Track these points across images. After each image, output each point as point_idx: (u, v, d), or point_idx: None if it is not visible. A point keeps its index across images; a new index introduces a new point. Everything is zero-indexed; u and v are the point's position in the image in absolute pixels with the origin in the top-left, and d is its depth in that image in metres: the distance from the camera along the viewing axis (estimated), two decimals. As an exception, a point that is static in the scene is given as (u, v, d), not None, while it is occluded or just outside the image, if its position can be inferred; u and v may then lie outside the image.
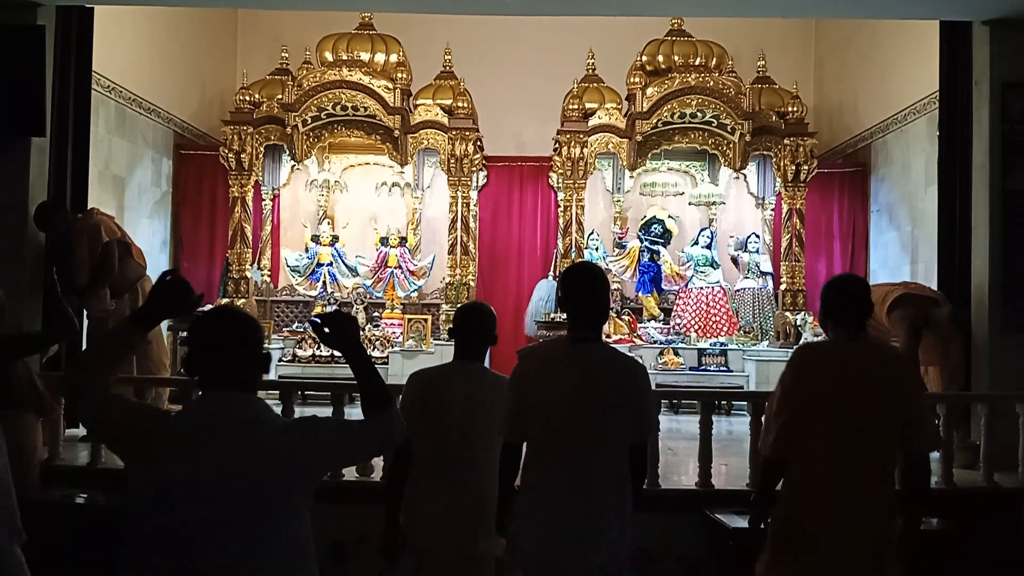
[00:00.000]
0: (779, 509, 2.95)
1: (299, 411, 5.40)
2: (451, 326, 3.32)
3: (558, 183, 9.97)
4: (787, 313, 9.35)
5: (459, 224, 9.57)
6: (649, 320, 9.93)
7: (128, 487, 2.02)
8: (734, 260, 10.13)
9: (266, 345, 2.31)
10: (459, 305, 3.24)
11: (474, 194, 10.04)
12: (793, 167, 9.44)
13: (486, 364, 3.45)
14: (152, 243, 9.70)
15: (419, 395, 3.19)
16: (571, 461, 2.72)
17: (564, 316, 9.42)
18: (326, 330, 2.17)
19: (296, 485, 2.04)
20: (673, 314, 9.88)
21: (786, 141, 9.44)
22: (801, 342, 9.01)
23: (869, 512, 2.81)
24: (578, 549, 2.68)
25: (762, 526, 3.04)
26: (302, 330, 9.40)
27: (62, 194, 6.13)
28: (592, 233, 10.02)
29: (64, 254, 5.99)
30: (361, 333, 2.29)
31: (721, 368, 9.07)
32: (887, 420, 2.84)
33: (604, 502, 2.71)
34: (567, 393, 2.74)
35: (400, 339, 9.12)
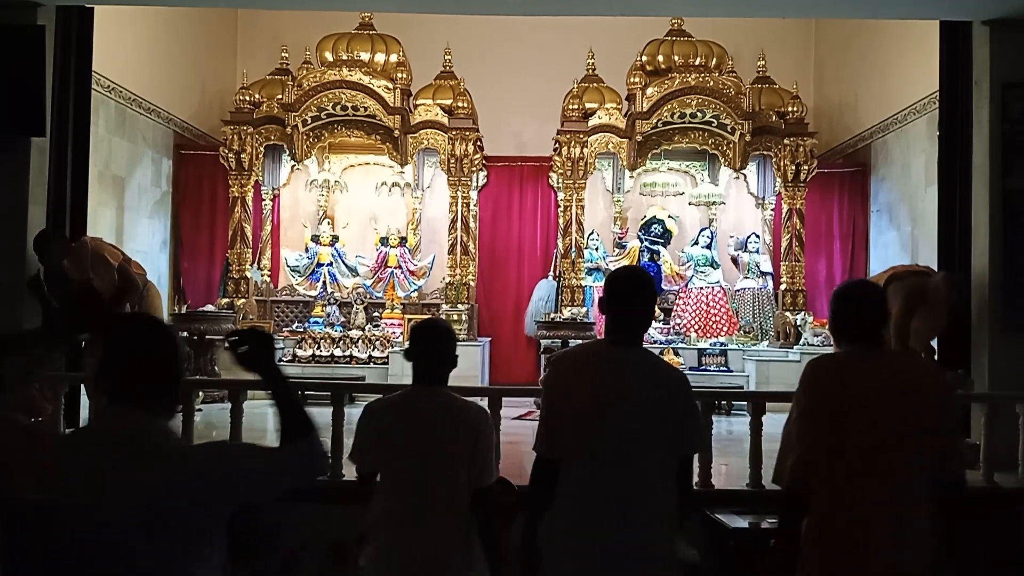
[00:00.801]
0: (807, 552, 2.59)
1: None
2: (407, 348, 3.00)
3: (558, 183, 9.97)
4: (787, 313, 9.35)
5: (459, 224, 9.57)
6: (649, 320, 9.92)
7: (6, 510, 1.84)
8: (734, 260, 10.13)
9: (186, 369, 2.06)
10: (414, 324, 3.10)
11: (474, 194, 10.04)
12: (793, 167, 9.45)
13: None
14: (152, 243, 9.71)
15: (378, 429, 2.89)
16: (615, 470, 2.51)
17: (564, 316, 9.35)
18: (242, 348, 1.96)
19: (197, 520, 1.80)
20: (673, 314, 9.89)
21: (786, 141, 9.44)
22: (801, 343, 9.02)
23: (912, 548, 2.54)
24: (621, 566, 2.49)
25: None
26: (302, 330, 9.40)
27: (62, 193, 6.13)
28: (592, 233, 10.03)
29: (60, 283, 5.95)
30: (277, 353, 2.02)
31: (721, 368, 9.07)
32: (918, 438, 2.55)
33: (649, 515, 2.51)
34: (610, 397, 2.54)
35: (400, 339, 9.12)
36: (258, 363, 1.97)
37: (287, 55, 10.21)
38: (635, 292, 2.67)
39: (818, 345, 8.86)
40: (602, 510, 2.50)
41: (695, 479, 4.81)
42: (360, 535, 2.92)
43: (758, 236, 10.14)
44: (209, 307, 9.38)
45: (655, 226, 10.21)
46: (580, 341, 8.09)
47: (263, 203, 10.16)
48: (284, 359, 9.00)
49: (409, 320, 9.28)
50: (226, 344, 2.00)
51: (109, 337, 1.95)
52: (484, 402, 4.87)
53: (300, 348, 9.05)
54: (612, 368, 2.60)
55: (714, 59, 9.84)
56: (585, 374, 2.62)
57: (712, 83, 9.31)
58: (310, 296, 9.98)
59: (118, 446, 1.80)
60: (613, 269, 2.94)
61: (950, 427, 2.64)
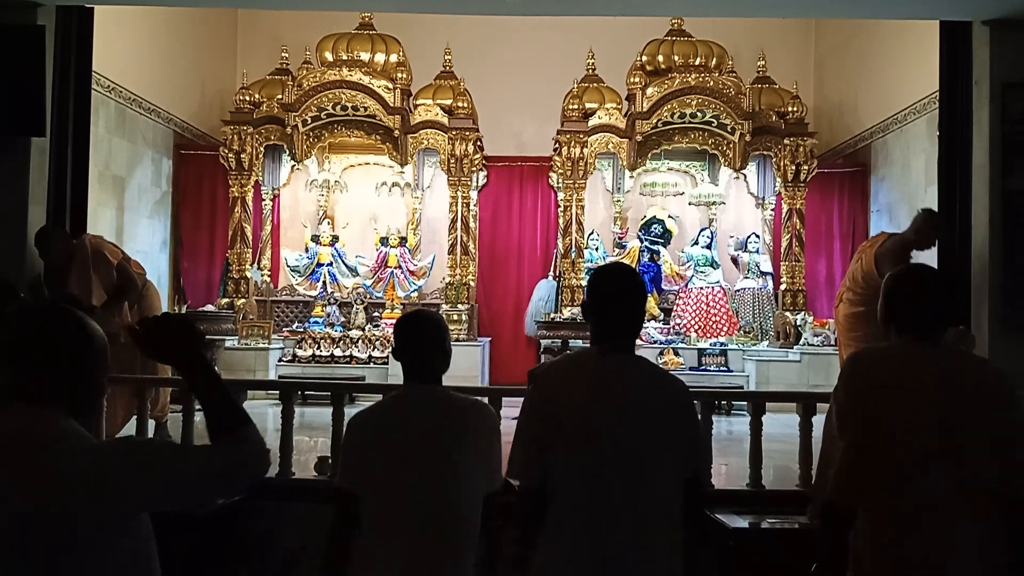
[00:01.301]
0: (858, 567, 2.25)
1: (299, 411, 5.41)
2: (394, 346, 2.63)
3: (558, 183, 9.97)
4: (787, 313, 9.35)
5: (459, 224, 9.57)
6: (649, 320, 9.92)
7: None
8: (734, 260, 10.13)
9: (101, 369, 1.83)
10: (400, 316, 2.73)
11: (474, 194, 10.04)
12: (793, 167, 9.45)
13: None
14: (152, 243, 9.71)
15: (368, 438, 2.51)
16: (610, 497, 2.22)
17: (564, 316, 9.33)
18: (146, 337, 1.76)
19: (97, 520, 1.63)
20: (673, 314, 9.89)
21: (786, 141, 9.44)
22: (801, 343, 9.01)
23: (973, 553, 2.18)
24: None
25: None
26: (302, 330, 9.40)
27: (62, 193, 6.12)
28: (592, 233, 10.03)
29: (61, 278, 5.96)
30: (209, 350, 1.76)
31: (721, 368, 9.07)
32: (983, 446, 2.20)
33: (652, 541, 2.24)
34: (605, 413, 2.25)
35: (400, 339, 9.12)
36: (167, 352, 1.77)
37: (287, 55, 10.22)
38: (627, 290, 2.39)
39: (818, 345, 8.86)
40: (602, 539, 2.22)
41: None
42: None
43: (758, 236, 10.14)
44: (209, 307, 9.38)
45: (655, 226, 10.21)
46: (581, 341, 8.09)
47: (263, 203, 10.17)
48: (284, 359, 9.00)
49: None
50: (130, 333, 1.80)
51: (17, 331, 1.76)
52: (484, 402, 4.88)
53: (300, 348, 9.05)
54: (606, 382, 2.30)
55: (714, 59, 9.84)
56: (579, 391, 2.30)
57: (712, 83, 9.32)
58: (310, 296, 9.99)
59: (15, 447, 1.65)
60: (600, 267, 2.58)
61: (1014, 431, 2.24)
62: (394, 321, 8.10)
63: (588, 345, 2.45)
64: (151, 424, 5.69)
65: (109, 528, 1.65)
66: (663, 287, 10.12)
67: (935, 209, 6.04)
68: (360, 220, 10.65)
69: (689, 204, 10.83)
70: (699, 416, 2.42)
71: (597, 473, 2.24)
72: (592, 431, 2.25)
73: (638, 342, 9.50)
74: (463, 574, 2.45)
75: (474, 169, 9.70)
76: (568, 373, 2.41)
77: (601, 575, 2.21)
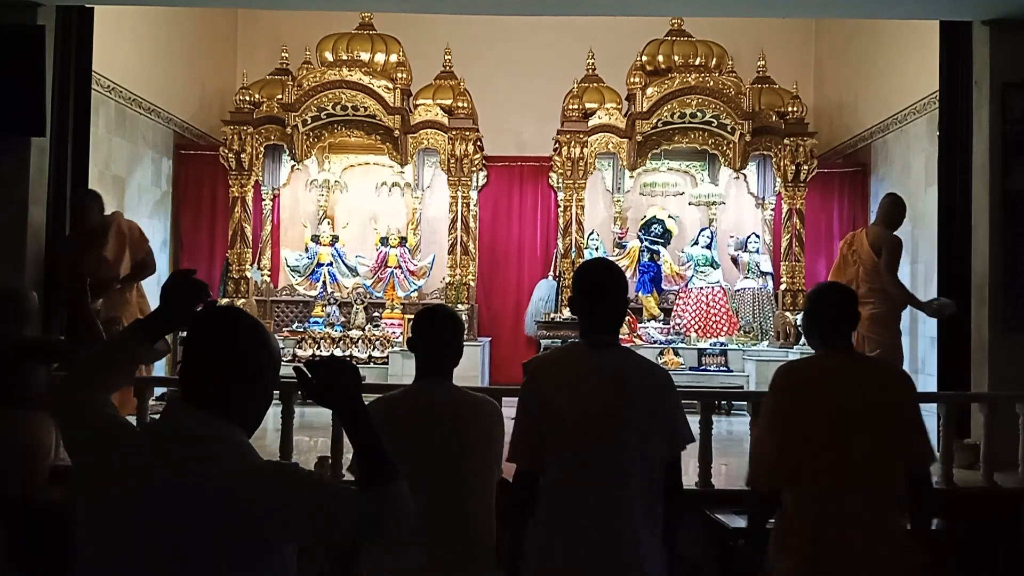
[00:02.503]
0: (780, 548, 2.71)
1: (299, 411, 5.41)
2: (410, 337, 2.77)
3: (558, 183, 9.97)
4: (787, 313, 9.35)
5: (459, 224, 9.57)
6: (649, 320, 9.93)
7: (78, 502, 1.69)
8: (734, 260, 10.13)
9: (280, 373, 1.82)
10: (419, 312, 2.84)
11: (474, 194, 10.04)
12: (793, 167, 9.44)
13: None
14: (152, 243, 9.62)
15: (383, 430, 2.68)
16: (601, 479, 2.41)
17: (564, 316, 9.36)
18: (315, 381, 1.73)
19: (239, 544, 1.59)
20: (673, 314, 9.88)
21: (786, 141, 9.44)
22: (801, 343, 9.01)
23: (881, 545, 2.61)
24: (612, 572, 2.41)
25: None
26: (302, 330, 9.40)
27: (62, 193, 6.13)
28: (592, 233, 10.02)
29: (91, 247, 6.18)
30: (360, 378, 1.73)
31: (721, 368, 9.06)
32: (888, 440, 2.65)
33: (637, 525, 2.42)
34: (594, 403, 2.43)
35: (400, 339, 9.12)
36: (331, 398, 1.73)
37: (287, 55, 10.21)
38: (610, 285, 2.56)
39: (818, 345, 8.85)
40: (592, 517, 2.41)
41: (696, 480, 4.83)
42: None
43: (758, 236, 10.14)
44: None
45: (655, 226, 10.20)
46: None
47: (263, 203, 10.16)
48: (284, 359, 8.99)
49: (409, 320, 9.27)
50: (296, 373, 1.77)
51: (197, 328, 1.75)
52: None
53: (300, 348, 9.05)
54: (598, 375, 2.47)
55: (714, 59, 9.84)
56: (566, 382, 2.49)
57: (712, 83, 9.31)
58: (310, 296, 9.98)
59: (173, 449, 1.63)
60: (583, 263, 2.79)
61: (917, 425, 2.72)
62: (394, 321, 8.23)
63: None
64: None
65: (253, 552, 1.61)
66: (663, 287, 10.12)
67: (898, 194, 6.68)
68: (360, 220, 10.64)
69: (689, 204, 10.83)
70: (680, 398, 2.62)
71: (586, 458, 2.42)
72: (581, 420, 2.43)
73: (639, 342, 9.49)
74: (480, 565, 2.55)
75: (474, 169, 9.69)
76: (558, 366, 2.60)
77: (589, 552, 2.39)
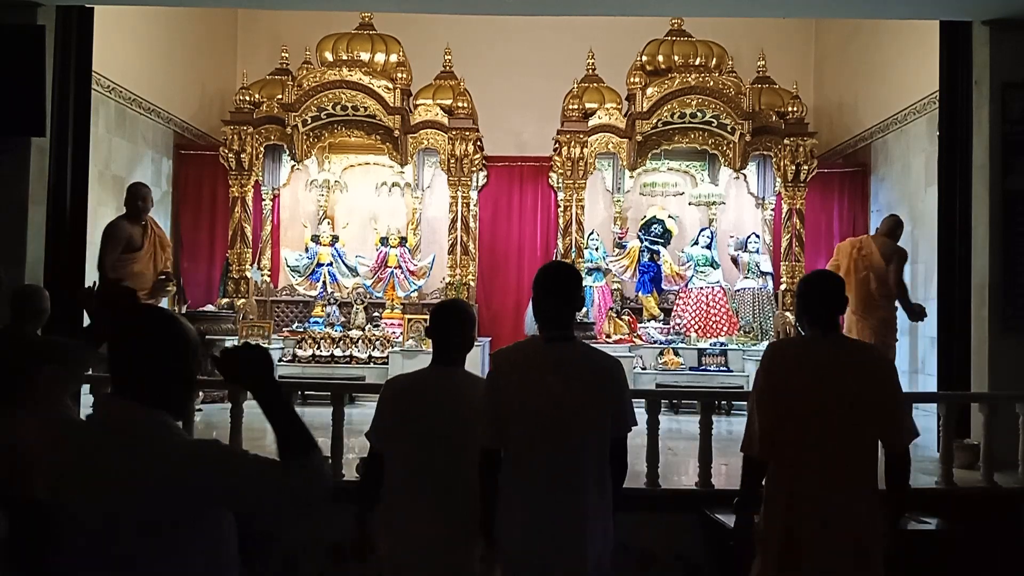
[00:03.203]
0: (764, 514, 2.93)
1: (299, 411, 5.40)
2: (428, 326, 3.14)
3: (558, 183, 9.97)
4: (787, 313, 9.35)
5: (459, 224, 9.57)
6: (649, 320, 9.93)
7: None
8: (734, 260, 10.13)
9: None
10: (437, 304, 3.18)
11: (474, 194, 10.04)
12: (793, 167, 9.45)
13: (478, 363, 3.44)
14: (152, 243, 9.70)
15: (395, 404, 3.00)
16: (552, 461, 2.69)
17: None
18: (227, 368, 1.90)
19: (188, 520, 1.75)
20: (673, 314, 9.88)
21: (786, 141, 9.44)
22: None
23: (854, 515, 2.81)
24: (563, 550, 2.67)
25: (749, 527, 3.01)
26: (302, 330, 9.40)
27: (62, 193, 6.12)
28: (592, 233, 10.02)
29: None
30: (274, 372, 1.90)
31: (721, 368, 9.06)
32: (867, 416, 2.84)
33: (587, 501, 2.70)
34: (545, 393, 2.71)
35: (400, 339, 9.12)
36: (244, 382, 1.89)
37: (287, 55, 10.21)
38: (560, 284, 2.83)
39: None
40: (547, 497, 2.68)
41: (696, 480, 4.83)
42: (364, 538, 3.00)
43: (758, 236, 10.14)
44: (209, 307, 9.38)
45: (655, 226, 10.20)
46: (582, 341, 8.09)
47: (263, 203, 10.16)
48: (284, 359, 9.00)
49: (409, 320, 9.27)
50: (212, 359, 1.92)
51: (117, 328, 1.93)
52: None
53: (300, 348, 9.05)
54: (545, 367, 2.74)
55: (714, 59, 9.84)
56: (524, 374, 2.77)
57: (712, 83, 9.31)
58: (310, 296, 9.98)
59: (114, 439, 1.78)
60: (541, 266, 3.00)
61: (897, 407, 2.89)
62: (394, 321, 8.32)
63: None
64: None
65: (188, 524, 1.77)
66: (663, 287, 10.12)
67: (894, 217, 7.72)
68: (360, 220, 10.64)
69: (689, 204, 10.83)
70: (627, 384, 2.90)
71: (538, 442, 2.71)
72: (533, 407, 2.71)
73: (639, 342, 9.45)
74: (474, 537, 2.84)
75: (474, 169, 9.70)
76: (517, 358, 2.87)
77: (543, 527, 2.68)
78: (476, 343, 10.42)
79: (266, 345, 8.79)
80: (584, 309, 9.29)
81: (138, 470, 1.73)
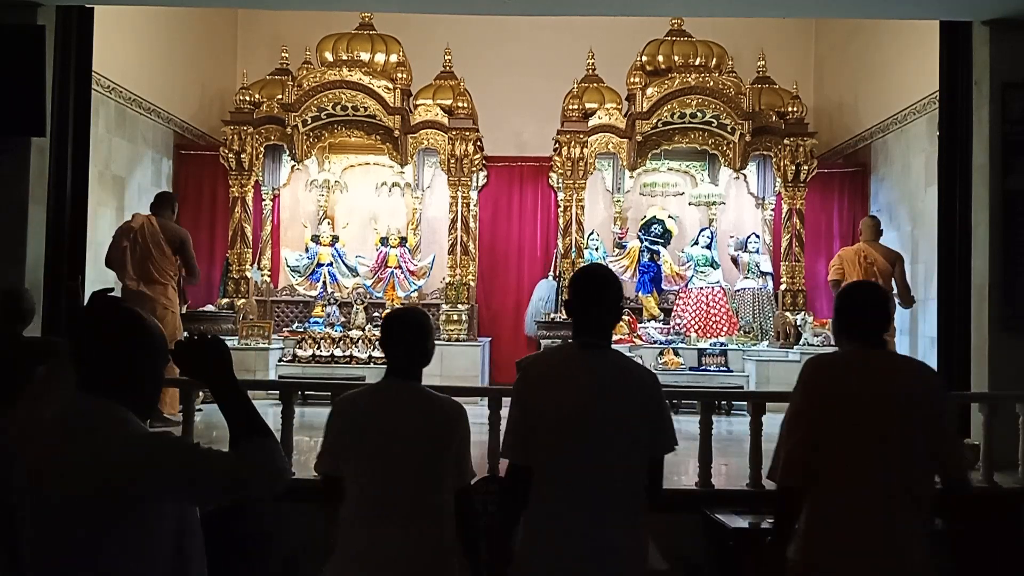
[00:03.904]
0: (797, 548, 2.61)
1: (299, 411, 5.41)
2: (380, 338, 2.94)
3: (558, 183, 9.97)
4: (787, 313, 9.35)
5: (459, 224, 9.57)
6: (649, 320, 9.93)
7: None
8: (734, 260, 10.13)
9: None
10: (387, 312, 3.07)
11: (474, 194, 10.03)
12: (793, 167, 9.45)
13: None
14: (152, 243, 9.69)
15: (349, 423, 2.76)
16: (587, 476, 2.50)
17: (564, 316, 9.39)
18: (182, 361, 1.91)
19: (121, 503, 1.77)
20: (673, 314, 9.88)
21: (786, 141, 9.44)
22: (801, 343, 9.03)
23: (901, 548, 2.52)
24: (594, 569, 2.49)
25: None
26: (302, 330, 9.40)
27: (62, 193, 6.12)
28: (592, 233, 10.02)
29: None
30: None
31: (721, 368, 9.06)
32: (915, 439, 2.55)
33: (621, 519, 2.52)
34: (582, 403, 2.52)
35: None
36: (199, 375, 1.90)
37: (287, 55, 10.21)
38: (604, 290, 2.64)
39: (818, 345, 8.86)
40: (577, 514, 2.50)
41: (696, 480, 4.83)
42: (328, 546, 2.79)
43: (758, 236, 10.14)
44: (209, 307, 9.38)
45: (655, 226, 10.20)
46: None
47: (263, 203, 10.16)
48: (284, 359, 9.00)
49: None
50: (171, 355, 1.93)
51: (79, 325, 1.94)
52: (484, 402, 4.88)
53: (300, 348, 9.05)
54: (585, 375, 2.56)
55: (714, 59, 9.84)
56: (558, 382, 2.58)
57: (712, 83, 9.31)
58: (310, 296, 9.98)
59: (71, 433, 1.79)
60: (579, 268, 2.88)
61: (946, 428, 2.65)
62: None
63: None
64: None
65: (145, 515, 1.79)
66: (663, 287, 10.12)
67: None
68: (360, 220, 10.64)
69: (689, 204, 10.83)
70: (666, 401, 2.68)
71: (572, 455, 2.51)
72: (572, 421, 2.52)
73: (639, 342, 9.47)
74: (442, 560, 2.67)
75: (474, 169, 9.69)
76: (550, 365, 2.70)
77: (572, 545, 2.48)
78: (476, 343, 10.40)
79: (264, 344, 8.81)
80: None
81: (92, 462, 1.75)
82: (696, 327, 9.61)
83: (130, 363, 1.88)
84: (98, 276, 7.65)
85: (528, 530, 2.55)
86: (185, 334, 7.46)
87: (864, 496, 2.52)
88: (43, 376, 3.55)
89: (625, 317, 9.71)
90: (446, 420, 2.77)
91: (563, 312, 9.27)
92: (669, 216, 10.30)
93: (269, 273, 10.21)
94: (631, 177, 10.34)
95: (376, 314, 9.77)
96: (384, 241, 9.97)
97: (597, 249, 10.03)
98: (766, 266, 10.04)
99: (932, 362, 7.30)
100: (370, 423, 2.72)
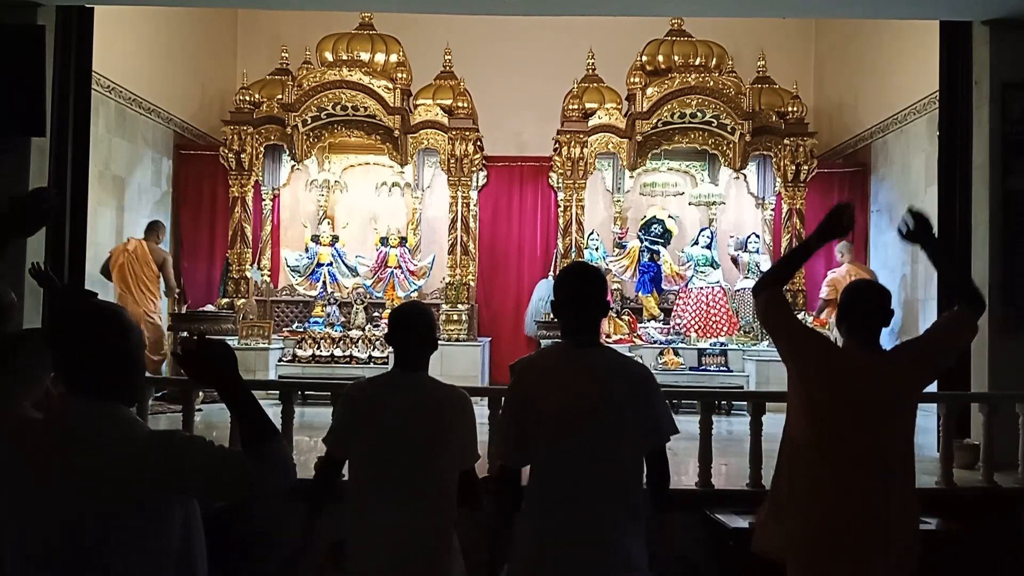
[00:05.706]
0: (792, 518, 2.80)
1: (299, 411, 5.41)
2: (386, 332, 3.04)
3: (558, 183, 9.97)
4: (787, 313, 9.34)
5: (459, 224, 9.57)
6: (649, 320, 9.93)
7: None
8: (734, 260, 10.13)
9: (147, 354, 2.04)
10: (394, 308, 3.12)
11: (474, 194, 10.03)
12: (793, 167, 9.45)
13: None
14: (152, 243, 9.69)
15: (356, 410, 2.90)
16: (587, 475, 2.51)
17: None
18: (187, 366, 1.91)
19: (135, 503, 1.78)
20: (673, 314, 9.88)
21: (786, 141, 9.44)
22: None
23: (889, 510, 2.74)
24: (596, 569, 2.49)
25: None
26: (302, 330, 9.40)
27: (62, 194, 6.12)
28: (592, 233, 10.02)
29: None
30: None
31: (721, 368, 9.06)
32: (903, 413, 2.81)
33: (622, 517, 2.52)
34: (580, 402, 2.53)
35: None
36: (205, 379, 1.91)
37: (287, 55, 10.21)
38: (596, 287, 2.67)
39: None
40: (573, 511, 2.50)
41: (696, 480, 4.83)
42: (337, 540, 2.87)
43: (758, 236, 10.14)
44: (209, 307, 9.38)
45: (655, 226, 10.19)
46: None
47: (263, 203, 10.16)
48: (284, 359, 9.00)
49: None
50: (175, 357, 1.94)
51: (54, 326, 1.96)
52: (484, 402, 4.88)
53: (300, 348, 9.05)
54: (586, 373, 2.57)
55: (714, 59, 9.84)
56: (553, 382, 2.58)
57: (712, 83, 9.31)
58: (310, 296, 9.98)
59: (73, 437, 1.79)
60: (564, 267, 2.89)
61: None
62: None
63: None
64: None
65: (151, 515, 1.80)
66: (663, 287, 10.11)
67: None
68: (360, 220, 10.64)
69: (689, 204, 10.82)
70: (662, 392, 2.69)
71: (571, 454, 2.52)
72: (569, 421, 2.52)
73: (639, 342, 9.48)
74: (442, 540, 2.77)
75: (474, 169, 9.69)
76: (544, 365, 2.72)
77: (572, 544, 2.48)
78: (476, 343, 10.39)
79: (264, 344, 8.81)
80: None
81: (99, 466, 1.76)
82: (696, 327, 9.61)
83: (123, 357, 1.89)
84: (98, 276, 7.65)
85: (526, 530, 2.56)
86: (185, 334, 7.45)
87: (852, 461, 2.73)
88: (18, 365, 3.47)
89: (625, 317, 9.72)
90: (451, 407, 2.86)
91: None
92: (669, 216, 10.30)
93: (269, 273, 10.21)
94: (631, 177, 10.33)
95: (376, 314, 9.77)
96: (384, 241, 9.97)
97: (597, 249, 10.03)
98: (766, 266, 10.03)
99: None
100: (377, 409, 2.83)
